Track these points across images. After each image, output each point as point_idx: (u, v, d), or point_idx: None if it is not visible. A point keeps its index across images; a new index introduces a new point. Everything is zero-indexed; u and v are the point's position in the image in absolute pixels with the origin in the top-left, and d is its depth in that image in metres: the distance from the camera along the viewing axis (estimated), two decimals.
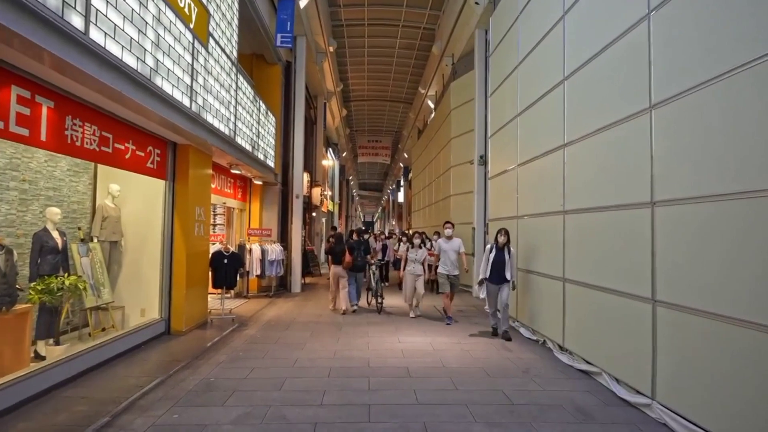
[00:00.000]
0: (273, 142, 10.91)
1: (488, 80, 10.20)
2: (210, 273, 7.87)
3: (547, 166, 6.30)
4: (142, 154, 5.96)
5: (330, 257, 8.91)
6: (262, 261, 10.06)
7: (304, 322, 7.81)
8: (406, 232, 10.95)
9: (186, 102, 5.75)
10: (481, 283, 6.72)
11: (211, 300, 9.09)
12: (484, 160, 10.95)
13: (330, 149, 23.45)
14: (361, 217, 60.70)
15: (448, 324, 7.52)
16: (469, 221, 11.72)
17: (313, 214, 17.53)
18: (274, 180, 11.26)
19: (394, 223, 43.08)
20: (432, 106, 18.95)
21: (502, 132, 8.41)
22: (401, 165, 33.55)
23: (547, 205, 6.21)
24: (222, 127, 7.15)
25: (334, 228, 13.08)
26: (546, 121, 6.37)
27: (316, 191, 16.61)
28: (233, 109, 7.77)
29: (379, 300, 8.85)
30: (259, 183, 10.99)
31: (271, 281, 10.87)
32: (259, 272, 10.00)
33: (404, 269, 8.32)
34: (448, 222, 8.09)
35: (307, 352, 5.84)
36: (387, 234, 13.48)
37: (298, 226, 12.01)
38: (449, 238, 7.85)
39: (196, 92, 6.11)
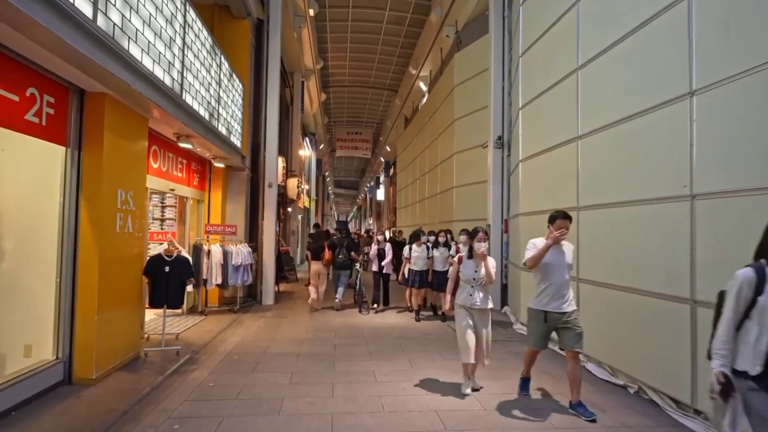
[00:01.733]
0: (239, 115, 8.58)
1: (512, 40, 8.20)
2: (148, 286, 5.53)
3: (646, 131, 4.29)
4: (15, 99, 3.63)
5: (309, 254, 8.97)
6: (225, 266, 7.74)
7: (281, 353, 5.58)
8: (427, 230, 8.51)
9: (86, 10, 3.45)
10: (725, 391, 2.14)
11: (154, 317, 6.77)
12: (502, 142, 8.95)
13: (307, 138, 21.06)
14: (336, 216, 58.48)
15: (591, 420, 3.60)
16: (481, 217, 9.69)
17: (289, 209, 15.17)
18: (241, 164, 8.91)
19: (371, 222, 40.77)
20: (425, 88, 16.88)
21: (546, 97, 6.39)
22: (382, 160, 31.39)
23: (651, 189, 4.20)
24: (159, 73, 4.84)
25: (317, 225, 10.88)
26: (643, 63, 4.36)
27: (292, 182, 14.27)
28: (179, 52, 5.46)
29: (363, 299, 8.64)
30: (221, 166, 8.61)
31: (236, 292, 8.53)
32: (219, 281, 7.68)
33: (452, 296, 4.42)
34: (563, 215, 3.77)
35: (286, 419, 3.63)
36: (376, 235, 10.86)
37: (271, 223, 9.62)
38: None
39: (109, 1, 3.81)
